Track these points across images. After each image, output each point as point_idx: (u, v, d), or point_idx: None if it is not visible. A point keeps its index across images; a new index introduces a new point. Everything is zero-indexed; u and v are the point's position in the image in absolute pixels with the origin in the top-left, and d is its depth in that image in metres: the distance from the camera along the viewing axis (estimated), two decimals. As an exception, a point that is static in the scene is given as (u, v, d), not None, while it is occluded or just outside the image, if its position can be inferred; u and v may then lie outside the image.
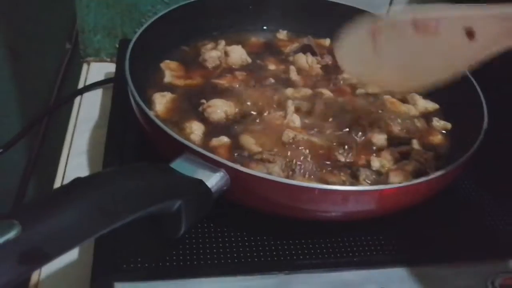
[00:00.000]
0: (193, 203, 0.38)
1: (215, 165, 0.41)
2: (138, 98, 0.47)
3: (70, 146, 0.63)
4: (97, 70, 0.76)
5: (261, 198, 0.43)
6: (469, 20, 0.41)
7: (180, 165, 0.41)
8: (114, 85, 0.64)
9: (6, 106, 1.05)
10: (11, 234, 0.26)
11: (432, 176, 0.44)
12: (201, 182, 0.39)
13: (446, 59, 0.44)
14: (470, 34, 0.41)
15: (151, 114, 0.45)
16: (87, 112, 0.68)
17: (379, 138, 0.53)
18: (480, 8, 0.40)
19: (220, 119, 0.53)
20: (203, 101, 0.54)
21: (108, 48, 0.77)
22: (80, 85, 0.74)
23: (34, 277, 0.48)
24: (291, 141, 0.51)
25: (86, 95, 0.71)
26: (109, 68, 0.76)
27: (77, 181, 0.32)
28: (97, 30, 0.75)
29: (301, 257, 0.45)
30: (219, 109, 0.53)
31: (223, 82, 0.58)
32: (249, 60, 0.63)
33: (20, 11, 0.92)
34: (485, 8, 0.40)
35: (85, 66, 0.78)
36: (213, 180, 0.40)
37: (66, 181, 0.57)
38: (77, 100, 0.71)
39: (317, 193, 0.41)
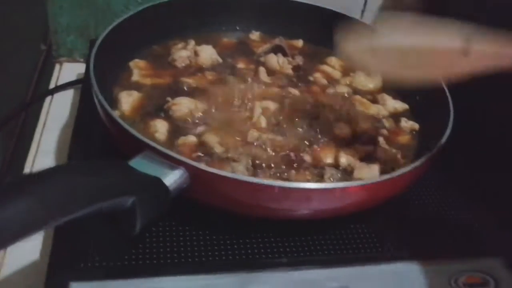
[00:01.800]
0: (148, 201, 0.37)
1: (174, 163, 0.41)
2: (100, 96, 0.46)
3: (38, 146, 0.63)
4: (69, 71, 0.76)
5: (221, 196, 0.43)
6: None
7: (139, 163, 0.40)
8: (82, 85, 0.63)
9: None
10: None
11: (398, 172, 0.44)
12: (158, 180, 0.39)
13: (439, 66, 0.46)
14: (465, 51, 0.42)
15: (112, 111, 0.45)
16: (57, 113, 0.67)
17: (343, 128, 0.53)
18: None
19: (184, 116, 0.52)
20: (169, 99, 0.54)
21: (81, 48, 0.76)
22: (52, 85, 0.73)
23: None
24: (256, 142, 0.50)
25: (57, 95, 0.71)
26: (82, 68, 0.75)
27: (26, 176, 0.31)
28: (70, 30, 0.75)
29: (263, 256, 0.45)
30: (184, 106, 0.52)
31: (191, 81, 0.58)
32: (220, 60, 0.63)
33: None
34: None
35: (57, 67, 0.77)
36: (171, 177, 0.40)
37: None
38: (47, 100, 0.70)
39: (277, 191, 0.41)
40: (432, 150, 0.48)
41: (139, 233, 0.39)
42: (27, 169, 0.59)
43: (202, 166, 0.41)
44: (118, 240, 0.43)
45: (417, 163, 0.46)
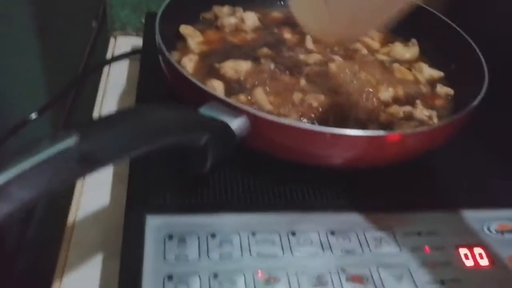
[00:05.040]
0: (219, 141, 0.42)
1: (237, 111, 0.46)
2: (167, 53, 0.51)
3: (100, 112, 0.69)
4: (124, 43, 0.82)
5: (277, 144, 0.48)
6: None
7: (206, 111, 0.46)
8: (142, 52, 0.69)
9: (34, 82, 1.11)
10: (70, 142, 0.31)
11: (435, 125, 0.48)
12: (226, 124, 0.44)
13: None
14: None
15: (180, 67, 0.50)
16: (116, 81, 0.73)
17: (385, 95, 0.58)
18: None
19: (234, 76, 0.58)
20: (217, 65, 0.59)
21: (134, 22, 0.82)
22: (108, 57, 0.79)
23: (71, 218, 0.53)
24: (299, 102, 0.55)
25: (114, 65, 0.77)
26: (135, 41, 0.81)
27: (121, 111, 0.37)
28: (124, 5, 0.80)
29: (312, 198, 0.50)
30: (229, 69, 0.58)
31: (237, 41, 0.64)
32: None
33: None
34: None
35: (112, 40, 0.83)
36: (235, 123, 0.45)
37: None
38: (105, 70, 0.76)
39: (329, 137, 0.46)
40: (466, 108, 0.52)
41: (207, 173, 0.45)
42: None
43: (263, 114, 0.46)
44: (187, 181, 0.49)
45: (452, 118, 0.50)
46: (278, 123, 0.46)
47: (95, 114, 0.68)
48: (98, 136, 0.32)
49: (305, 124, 0.46)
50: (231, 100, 0.46)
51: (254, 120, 0.46)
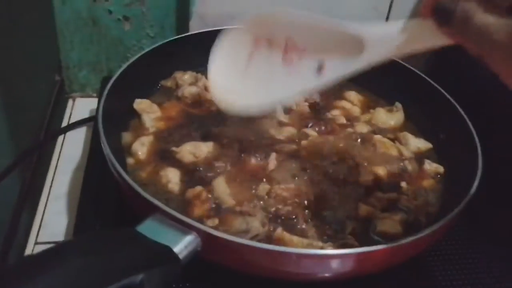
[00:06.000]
0: (157, 274, 0.35)
1: (185, 227, 0.39)
2: (112, 157, 0.44)
3: (50, 189, 0.61)
4: (83, 106, 0.75)
5: (235, 260, 0.41)
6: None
7: (149, 228, 0.38)
8: (94, 127, 0.62)
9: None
10: None
11: (422, 233, 0.41)
12: (168, 250, 0.37)
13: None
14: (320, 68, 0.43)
15: (124, 173, 0.43)
16: (70, 152, 0.66)
17: (364, 175, 0.51)
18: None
19: (192, 162, 0.51)
20: (174, 148, 0.52)
21: (94, 83, 0.75)
22: (64, 122, 0.72)
23: None
24: (266, 195, 0.48)
25: (70, 133, 0.70)
26: (95, 104, 0.74)
27: (28, 260, 0.30)
28: (82, 65, 0.74)
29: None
30: (186, 153, 0.51)
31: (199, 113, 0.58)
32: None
33: (7, 44, 0.91)
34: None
35: (70, 102, 0.76)
36: (182, 244, 0.38)
37: (43, 229, 0.56)
38: (60, 138, 0.69)
39: (295, 257, 0.38)
40: (460, 199, 0.45)
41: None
42: (38, 216, 0.58)
43: (216, 232, 0.39)
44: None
45: (441, 223, 0.42)
46: (237, 243, 0.38)
47: (43, 198, 0.60)
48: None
49: (264, 245, 0.38)
50: (178, 215, 0.39)
51: (207, 237, 0.39)
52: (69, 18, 0.68)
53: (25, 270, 0.29)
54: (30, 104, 0.95)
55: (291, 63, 0.44)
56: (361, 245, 0.44)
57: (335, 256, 0.39)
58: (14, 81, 0.98)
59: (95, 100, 0.75)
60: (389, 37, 0.38)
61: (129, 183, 0.42)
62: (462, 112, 0.56)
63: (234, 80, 0.47)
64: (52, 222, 0.57)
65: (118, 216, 0.52)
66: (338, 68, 0.42)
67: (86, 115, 0.72)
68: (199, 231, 0.39)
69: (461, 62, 0.64)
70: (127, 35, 0.71)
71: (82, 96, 0.76)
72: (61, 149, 0.67)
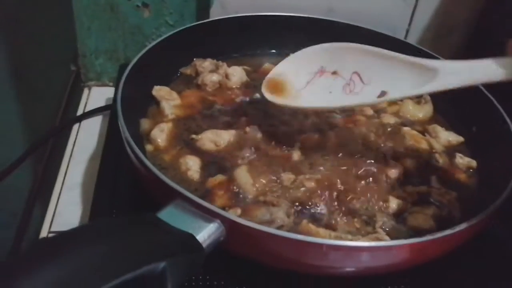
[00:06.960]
0: (180, 263, 0.33)
1: (208, 215, 0.37)
2: (131, 142, 0.42)
3: (64, 179, 0.59)
4: (98, 95, 0.73)
5: (260, 251, 0.38)
6: None
7: (170, 215, 0.36)
8: (110, 114, 0.60)
9: (10, 128, 1.03)
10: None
11: (455, 229, 0.38)
12: (191, 237, 0.34)
13: None
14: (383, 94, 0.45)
15: (143, 158, 0.41)
16: (85, 141, 0.64)
17: (393, 172, 0.48)
18: None
19: (212, 150, 0.49)
20: (193, 136, 0.50)
21: (111, 72, 0.73)
22: (80, 111, 0.70)
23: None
24: (291, 186, 0.46)
25: (85, 122, 0.68)
26: (111, 93, 0.72)
27: (44, 244, 0.27)
28: (98, 53, 0.72)
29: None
30: (207, 141, 0.49)
31: (220, 101, 0.56)
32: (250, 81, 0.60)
33: (24, 33, 0.90)
34: None
35: (86, 91, 0.74)
36: (205, 233, 0.36)
37: (56, 219, 0.54)
38: (75, 127, 0.67)
39: (325, 249, 0.36)
40: (497, 195, 0.43)
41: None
42: (52, 205, 0.56)
43: (241, 220, 0.36)
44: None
45: (475, 220, 0.40)
46: (262, 231, 0.36)
47: (58, 184, 0.58)
48: None
49: (292, 235, 0.36)
50: (201, 201, 0.37)
51: (230, 225, 0.37)
52: (88, 3, 0.66)
53: (40, 253, 0.27)
54: (46, 94, 0.94)
55: (351, 92, 0.46)
56: (392, 239, 0.41)
57: (373, 249, 0.36)
58: (30, 71, 0.97)
59: (111, 89, 0.73)
60: (466, 69, 0.42)
61: (150, 167, 0.39)
62: (497, 104, 0.53)
63: (294, 82, 0.49)
64: (66, 211, 0.55)
65: (134, 205, 0.50)
66: (400, 92, 0.44)
67: (102, 104, 0.70)
68: (223, 219, 0.36)
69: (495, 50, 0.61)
70: (145, 23, 0.69)
71: (98, 85, 0.74)
72: (76, 139, 0.66)
